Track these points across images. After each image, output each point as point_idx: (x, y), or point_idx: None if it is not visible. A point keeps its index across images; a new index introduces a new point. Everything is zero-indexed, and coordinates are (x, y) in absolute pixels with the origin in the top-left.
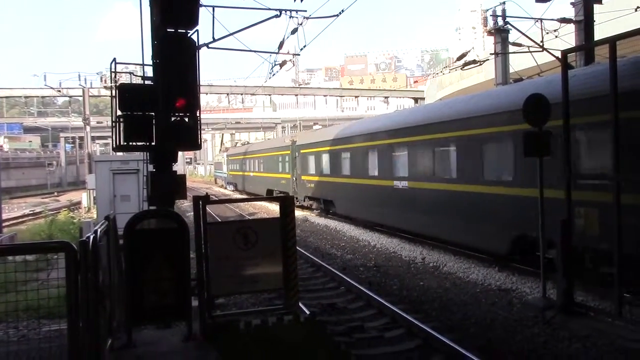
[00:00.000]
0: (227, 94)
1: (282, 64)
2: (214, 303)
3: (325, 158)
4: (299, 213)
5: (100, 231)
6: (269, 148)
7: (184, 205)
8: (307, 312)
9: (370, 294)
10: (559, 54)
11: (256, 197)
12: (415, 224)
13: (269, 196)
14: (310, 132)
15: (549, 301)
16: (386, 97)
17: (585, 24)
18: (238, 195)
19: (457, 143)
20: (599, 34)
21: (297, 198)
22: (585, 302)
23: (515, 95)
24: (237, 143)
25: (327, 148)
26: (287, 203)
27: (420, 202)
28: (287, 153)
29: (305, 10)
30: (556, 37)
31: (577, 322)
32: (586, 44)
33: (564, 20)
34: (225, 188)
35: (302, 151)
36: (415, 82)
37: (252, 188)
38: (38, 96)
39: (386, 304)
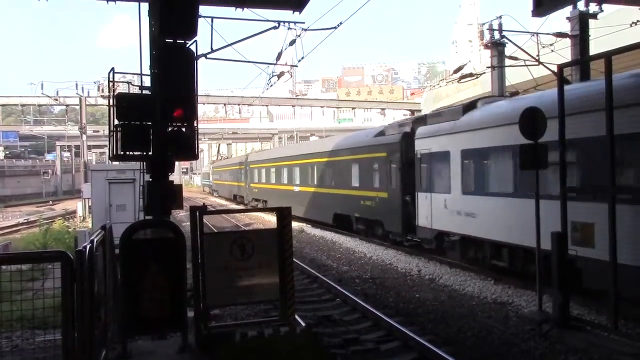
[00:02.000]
0: (225, 104)
1: (279, 75)
2: (209, 314)
3: (262, 172)
4: (295, 224)
5: (97, 241)
6: (234, 163)
7: (180, 215)
8: (303, 324)
9: (366, 306)
10: (554, 68)
11: (253, 209)
12: (301, 211)
13: (265, 207)
14: (256, 152)
15: (545, 314)
16: (383, 109)
17: (581, 38)
18: (235, 206)
19: (316, 165)
20: (595, 48)
21: (246, 199)
22: (581, 315)
23: (333, 143)
24: (220, 157)
25: (262, 165)
26: (284, 214)
27: (303, 198)
28: (242, 167)
29: (304, 22)
30: (552, 51)
31: (573, 335)
32: (582, 58)
33: (559, 35)
34: (212, 194)
35: (250, 166)
36: (412, 94)
37: (226, 193)
38: (35, 104)
39: (382, 316)
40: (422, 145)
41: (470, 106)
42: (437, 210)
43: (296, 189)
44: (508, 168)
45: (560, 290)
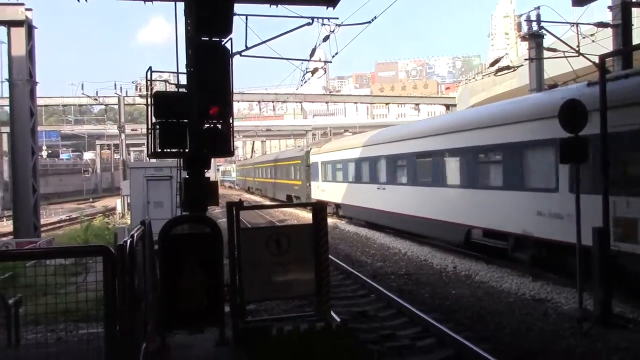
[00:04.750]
0: (259, 102)
1: (313, 71)
2: (245, 309)
3: (258, 170)
4: (328, 220)
5: (137, 236)
6: (247, 164)
7: (215, 212)
8: (339, 320)
9: (402, 302)
10: (595, 59)
11: (288, 204)
12: (275, 194)
13: (300, 202)
14: (258, 156)
15: (586, 312)
16: (417, 104)
17: (624, 27)
18: (269, 202)
19: (278, 167)
20: (638, 38)
21: (252, 188)
22: (623, 313)
23: (284, 154)
24: (244, 158)
25: (258, 165)
26: (319, 210)
27: (274, 186)
28: (251, 167)
29: (337, 18)
30: (593, 41)
31: (615, 333)
32: (624, 48)
33: (601, 25)
34: (233, 188)
35: (255, 166)
36: (447, 88)
37: (242, 186)
38: (75, 104)
39: (417, 312)
40: (311, 158)
41: (328, 140)
42: (316, 189)
43: (272, 180)
44: (330, 170)
45: (602, 287)
